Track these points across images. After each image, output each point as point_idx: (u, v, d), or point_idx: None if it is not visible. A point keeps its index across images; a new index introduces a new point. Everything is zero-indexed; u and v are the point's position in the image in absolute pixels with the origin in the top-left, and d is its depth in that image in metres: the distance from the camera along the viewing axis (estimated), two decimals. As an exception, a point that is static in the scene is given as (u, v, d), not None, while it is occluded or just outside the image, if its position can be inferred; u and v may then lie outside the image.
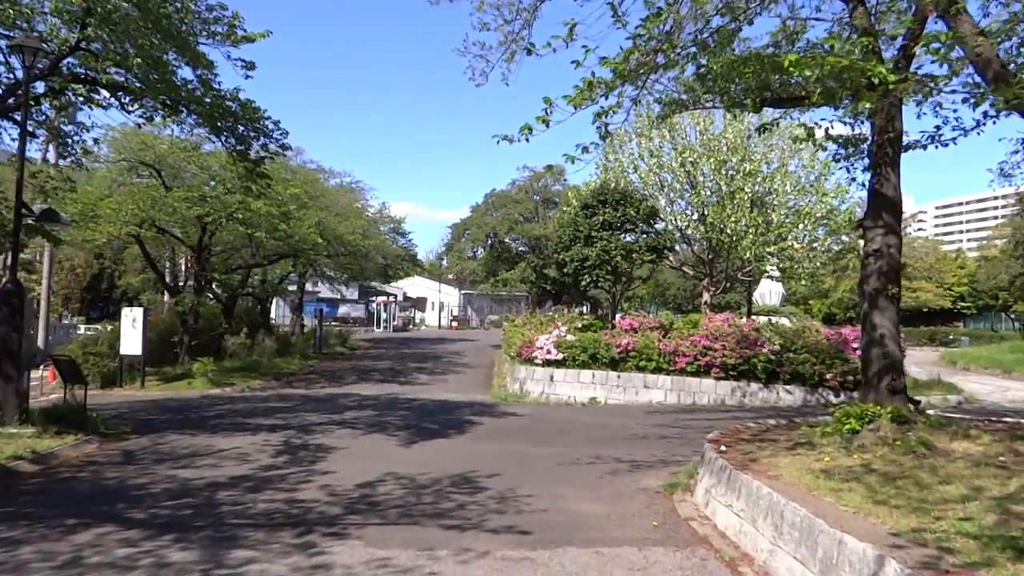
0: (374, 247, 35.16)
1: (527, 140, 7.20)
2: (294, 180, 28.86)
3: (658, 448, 12.25)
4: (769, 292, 35.91)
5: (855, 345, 19.89)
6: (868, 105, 6.62)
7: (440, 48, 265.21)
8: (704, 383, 20.12)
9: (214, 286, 30.18)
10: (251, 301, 37.73)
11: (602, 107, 7.38)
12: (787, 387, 19.85)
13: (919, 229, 65.54)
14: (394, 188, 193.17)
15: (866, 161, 9.42)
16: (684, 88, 13.02)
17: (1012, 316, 63.86)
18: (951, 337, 43.46)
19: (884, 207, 8.86)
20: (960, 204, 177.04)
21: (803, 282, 26.10)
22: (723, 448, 8.62)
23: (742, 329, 20.61)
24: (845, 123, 10.96)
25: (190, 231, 26.02)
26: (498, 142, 7.39)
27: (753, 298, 38.63)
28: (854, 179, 10.00)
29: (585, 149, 7.32)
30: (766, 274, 26.92)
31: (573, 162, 7.04)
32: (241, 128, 14.14)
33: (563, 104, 7.01)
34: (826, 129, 9.49)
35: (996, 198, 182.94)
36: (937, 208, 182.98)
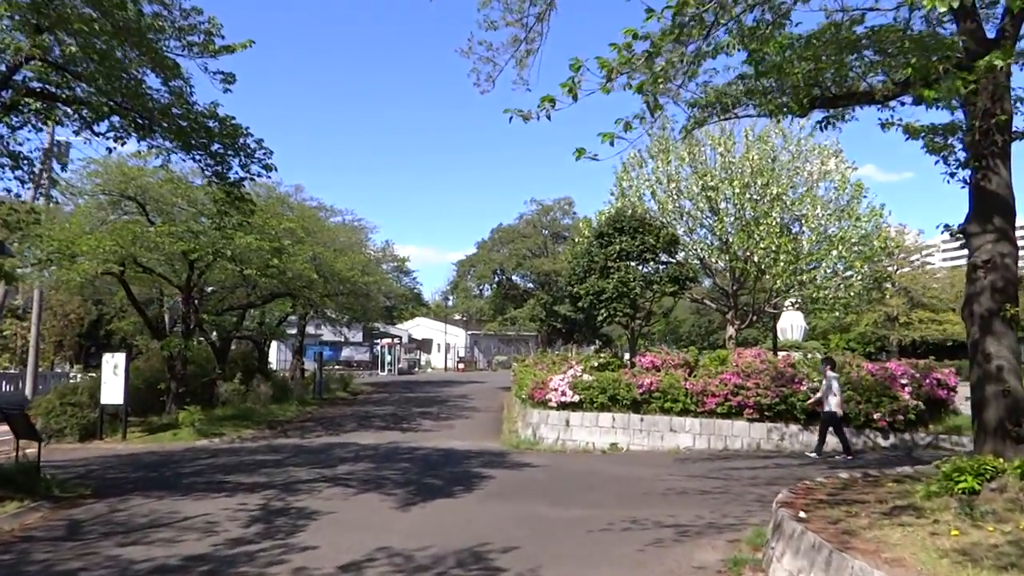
0: (375, 284, 33.46)
1: (548, 117, 5.54)
2: (290, 216, 27.38)
3: (702, 507, 10.36)
4: (791, 327, 33.95)
5: (903, 381, 18.06)
6: (1000, 63, 4.93)
7: (450, 86, 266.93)
8: (737, 425, 18.22)
9: (206, 329, 28.48)
10: (248, 345, 36.00)
11: (653, 71, 5.69)
12: (830, 428, 17.91)
13: (927, 261, 63.30)
14: (401, 231, 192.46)
15: (961, 154, 7.70)
16: (716, 94, 11.46)
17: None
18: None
19: (993, 207, 7.14)
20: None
21: (836, 313, 24.29)
22: (802, 514, 6.77)
23: (776, 365, 18.75)
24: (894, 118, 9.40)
25: (179, 269, 24.41)
26: (511, 119, 5.75)
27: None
28: (953, 175, 8.15)
29: (628, 126, 5.65)
30: (795, 305, 25.06)
31: (612, 143, 5.38)
32: (217, 146, 12.53)
33: (595, 69, 5.34)
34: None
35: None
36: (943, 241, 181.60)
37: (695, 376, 19.09)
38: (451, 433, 22.39)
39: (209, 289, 30.21)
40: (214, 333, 29.21)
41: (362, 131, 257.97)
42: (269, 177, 13.70)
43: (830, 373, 16.44)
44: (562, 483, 12.79)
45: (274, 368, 49.54)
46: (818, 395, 16.48)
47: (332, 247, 29.05)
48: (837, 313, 24.62)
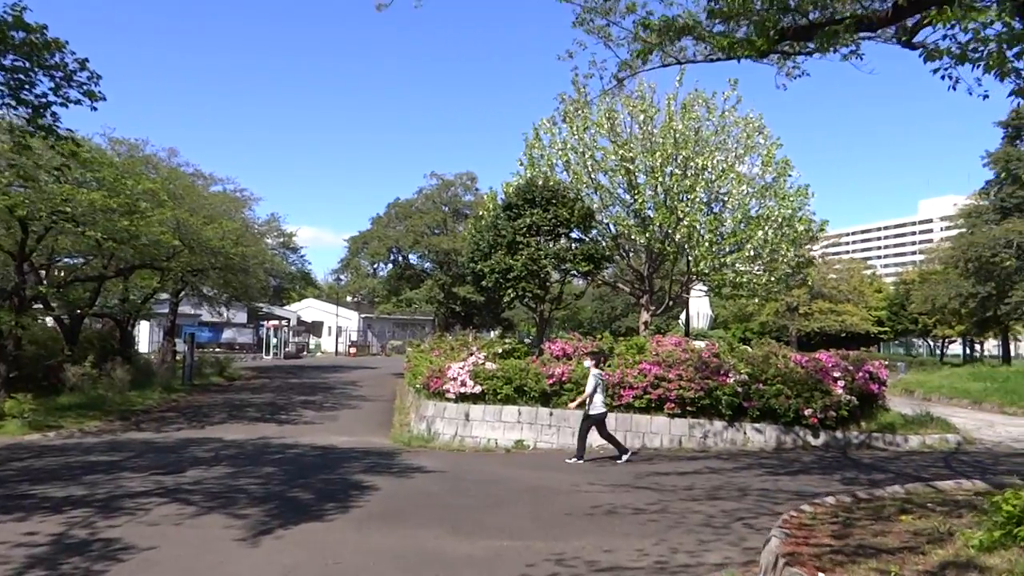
0: (254, 257, 30.05)
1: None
2: (153, 177, 23.90)
3: (642, 534, 8.18)
4: (697, 314, 32.70)
5: (836, 374, 16.58)
6: None
7: (345, 63, 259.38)
8: (656, 421, 16.30)
9: (52, 304, 24.63)
10: (108, 324, 31.97)
11: None
12: (756, 425, 16.26)
13: (836, 251, 65.11)
14: (297, 211, 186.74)
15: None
16: (665, 21, 9.31)
17: (931, 341, 63.47)
18: (886, 363, 41.52)
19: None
20: (849, 234, 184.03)
21: (755, 299, 22.85)
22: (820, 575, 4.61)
23: (700, 355, 16.94)
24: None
25: (14, 232, 20.64)
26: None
27: (682, 320, 35.56)
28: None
29: None
30: (715, 289, 23.37)
31: None
32: (12, 59, 9.46)
33: None
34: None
35: (878, 228, 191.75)
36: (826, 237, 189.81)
37: (610, 366, 17.08)
38: (334, 426, 19.76)
39: (61, 259, 26.43)
40: (60, 309, 25.34)
41: (256, 105, 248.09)
42: (95, 108, 10.65)
43: (595, 370, 14.48)
44: (463, 497, 10.40)
45: (145, 351, 45.17)
46: (586, 394, 14.30)
47: (202, 214, 25.57)
48: (757, 299, 23.17)
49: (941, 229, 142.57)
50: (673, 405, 16.15)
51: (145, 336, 50.94)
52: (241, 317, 61.31)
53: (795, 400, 16.02)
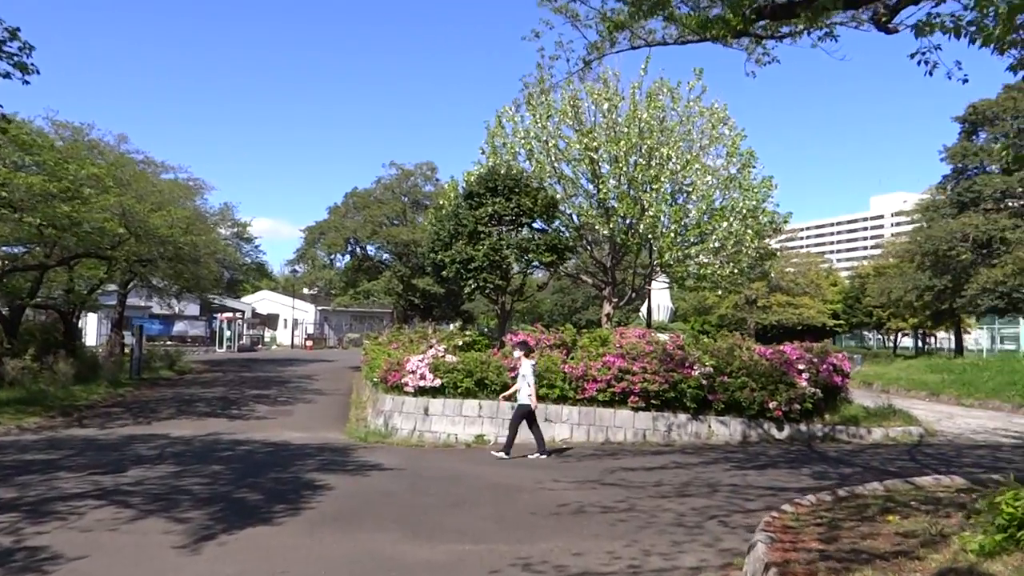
0: (205, 246, 29.03)
1: None
2: (99, 163, 22.86)
3: (612, 535, 7.77)
4: (658, 307, 32.60)
5: (800, 367, 16.40)
6: None
7: (304, 51, 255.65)
8: (620, 415, 15.96)
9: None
10: (51, 315, 30.77)
11: None
12: (720, 418, 16.02)
13: (792, 245, 66.07)
14: (254, 203, 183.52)
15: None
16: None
17: (883, 334, 64.40)
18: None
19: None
20: (804, 229, 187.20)
21: (719, 291, 22.68)
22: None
23: (665, 347, 16.63)
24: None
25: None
26: None
27: (642, 313, 35.44)
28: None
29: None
30: (680, 281, 23.08)
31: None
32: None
33: None
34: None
35: (832, 224, 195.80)
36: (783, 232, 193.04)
37: (573, 358, 16.70)
38: (288, 421, 19.12)
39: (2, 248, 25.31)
40: (1, 300, 24.25)
41: (214, 97, 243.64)
42: (27, 81, 9.88)
43: (525, 360, 14.06)
44: (422, 496, 9.90)
45: (92, 344, 43.78)
46: (515, 387, 13.96)
47: (151, 201, 24.56)
48: (720, 291, 22.99)
49: (892, 225, 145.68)
50: (637, 398, 15.83)
51: (92, 329, 49.47)
52: (193, 309, 59.84)
53: (760, 393, 15.80)
